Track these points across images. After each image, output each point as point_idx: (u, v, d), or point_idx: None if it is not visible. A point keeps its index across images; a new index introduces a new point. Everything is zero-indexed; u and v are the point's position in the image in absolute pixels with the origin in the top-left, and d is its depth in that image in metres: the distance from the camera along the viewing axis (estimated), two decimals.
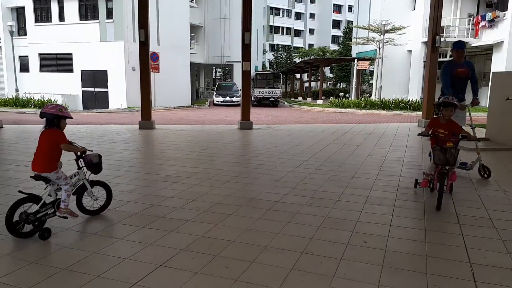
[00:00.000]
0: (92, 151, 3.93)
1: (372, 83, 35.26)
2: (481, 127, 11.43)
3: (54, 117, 3.50)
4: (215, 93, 30.76)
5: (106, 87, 23.84)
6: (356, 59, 28.93)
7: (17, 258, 3.10)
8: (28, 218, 3.38)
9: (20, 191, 3.48)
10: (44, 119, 3.56)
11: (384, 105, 21.66)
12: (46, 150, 3.53)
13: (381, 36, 25.31)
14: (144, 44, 11.22)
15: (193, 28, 34.23)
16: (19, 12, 28.62)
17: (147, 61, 11.49)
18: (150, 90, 11.77)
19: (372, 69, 31.46)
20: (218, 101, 29.46)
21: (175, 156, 7.42)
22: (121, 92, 23.28)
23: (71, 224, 3.78)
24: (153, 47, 12.03)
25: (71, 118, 3.64)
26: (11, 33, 24.78)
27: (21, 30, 28.42)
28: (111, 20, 23.36)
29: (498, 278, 2.84)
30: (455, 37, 23.73)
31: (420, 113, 16.15)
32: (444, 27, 22.35)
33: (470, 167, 5.72)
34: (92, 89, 24.25)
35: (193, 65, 33.40)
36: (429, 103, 12.33)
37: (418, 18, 24.66)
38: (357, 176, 5.85)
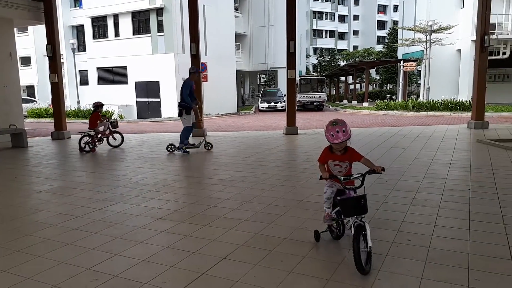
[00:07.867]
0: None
1: (420, 84, 34.29)
2: None
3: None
4: (260, 99, 31.36)
5: (159, 97, 25.18)
6: (402, 61, 28.38)
7: None
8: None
9: None
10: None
11: (432, 106, 21.15)
12: None
13: (428, 36, 24.71)
14: (195, 57, 11.96)
15: (238, 37, 35.13)
16: (79, 30, 31.00)
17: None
18: (202, 100, 12.46)
19: (419, 69, 30.66)
20: (263, 107, 30.02)
21: (227, 162, 7.94)
22: (172, 102, 24.47)
23: (141, 224, 4.33)
24: (201, 58, 12.73)
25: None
26: (73, 50, 26.89)
27: (81, 46, 30.74)
28: (161, 34, 24.69)
29: None
30: (507, 34, 22.73)
31: (470, 113, 15.68)
32: (495, 24, 21.46)
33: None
34: (146, 99, 25.71)
35: (238, 73, 34.26)
36: (479, 104, 12.05)
37: (467, 16, 23.83)
38: (403, 179, 6.03)
